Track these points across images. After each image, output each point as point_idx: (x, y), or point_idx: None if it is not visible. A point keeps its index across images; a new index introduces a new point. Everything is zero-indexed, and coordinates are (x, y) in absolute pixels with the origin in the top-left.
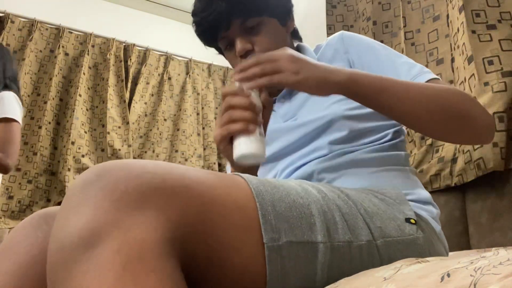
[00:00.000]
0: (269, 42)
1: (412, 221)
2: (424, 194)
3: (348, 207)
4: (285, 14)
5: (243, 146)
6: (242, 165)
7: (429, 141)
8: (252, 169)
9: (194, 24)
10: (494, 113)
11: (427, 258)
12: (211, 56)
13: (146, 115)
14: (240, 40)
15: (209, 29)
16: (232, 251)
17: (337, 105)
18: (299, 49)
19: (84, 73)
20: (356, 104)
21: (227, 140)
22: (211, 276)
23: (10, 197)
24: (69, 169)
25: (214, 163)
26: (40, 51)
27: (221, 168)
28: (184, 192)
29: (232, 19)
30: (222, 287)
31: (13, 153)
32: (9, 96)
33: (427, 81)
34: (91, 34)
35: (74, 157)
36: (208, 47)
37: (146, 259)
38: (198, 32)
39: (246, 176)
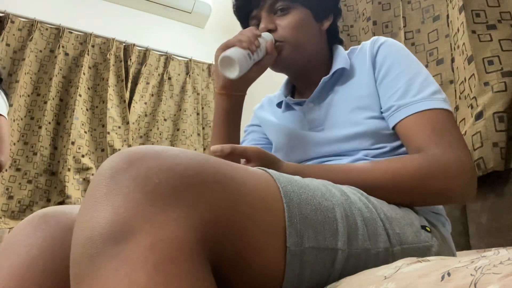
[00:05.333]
0: (293, 28)
1: (428, 228)
2: (438, 205)
3: (369, 211)
4: (322, 10)
5: (229, 50)
6: (222, 70)
7: None
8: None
9: (233, 1)
10: (494, 113)
11: (428, 258)
12: (211, 56)
13: (146, 115)
14: (265, 18)
15: (243, 6)
16: (255, 253)
17: (372, 121)
18: (333, 51)
19: (84, 73)
20: (387, 124)
21: (222, 51)
22: (233, 277)
23: (10, 197)
24: (69, 169)
25: None
26: (40, 51)
27: None
28: (216, 188)
29: None
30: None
31: (5, 149)
32: None
33: (424, 110)
34: (91, 34)
35: (74, 157)
36: (242, 24)
37: (178, 260)
38: (234, 9)
39: (273, 173)
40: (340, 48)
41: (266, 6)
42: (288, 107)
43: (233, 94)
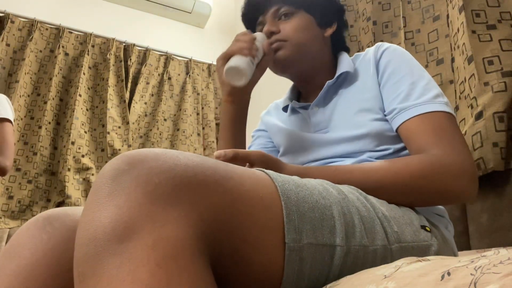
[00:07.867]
0: (295, 30)
1: (427, 228)
2: (440, 207)
3: (367, 210)
4: (325, 17)
5: (233, 60)
6: (229, 80)
7: None
8: (239, 94)
9: (242, 7)
10: (494, 113)
11: (428, 257)
12: (211, 56)
13: (146, 115)
14: (269, 22)
15: (250, 13)
16: (254, 250)
17: (376, 123)
18: (338, 57)
19: (84, 73)
20: (390, 126)
21: (224, 61)
22: (232, 274)
23: (10, 197)
24: (69, 169)
25: None
26: (40, 51)
27: None
28: (214, 187)
29: (269, 4)
30: (240, 285)
31: (10, 155)
32: (1, 98)
33: (426, 113)
34: (91, 34)
35: (74, 157)
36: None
37: (179, 258)
38: (242, 16)
39: (271, 173)
40: (345, 54)
41: (271, 12)
42: (294, 111)
43: (239, 100)
